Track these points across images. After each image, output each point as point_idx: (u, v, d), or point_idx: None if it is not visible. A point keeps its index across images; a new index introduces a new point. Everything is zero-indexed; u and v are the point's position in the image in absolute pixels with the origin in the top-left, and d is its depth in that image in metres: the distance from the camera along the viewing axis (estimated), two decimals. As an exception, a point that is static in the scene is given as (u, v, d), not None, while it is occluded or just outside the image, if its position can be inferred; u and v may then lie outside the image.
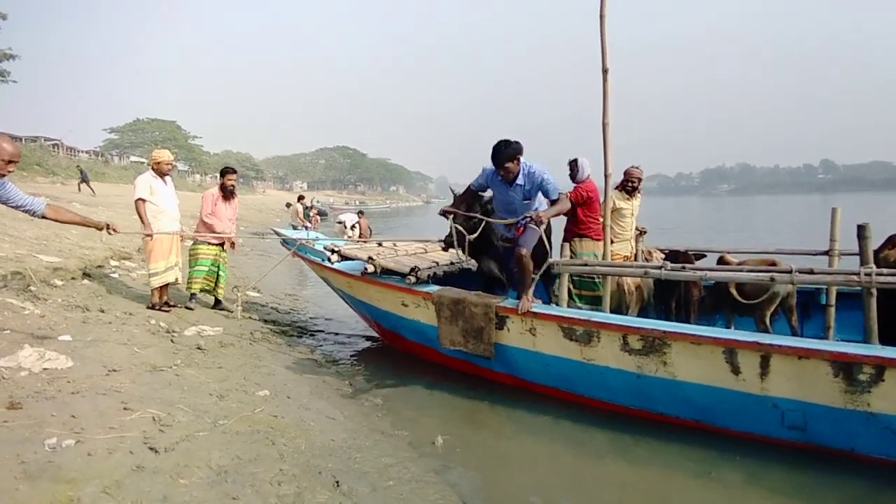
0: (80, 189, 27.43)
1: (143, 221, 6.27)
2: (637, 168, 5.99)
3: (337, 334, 7.27)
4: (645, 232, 6.36)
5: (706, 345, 4.01)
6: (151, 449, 2.92)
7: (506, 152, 4.67)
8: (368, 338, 7.08)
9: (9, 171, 3.59)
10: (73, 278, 6.77)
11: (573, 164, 5.96)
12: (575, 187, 5.94)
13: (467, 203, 5.43)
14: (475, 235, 5.29)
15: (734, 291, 5.01)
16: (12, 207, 3.84)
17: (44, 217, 3.89)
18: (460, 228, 5.32)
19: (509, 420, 4.57)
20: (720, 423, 4.14)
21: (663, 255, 6.06)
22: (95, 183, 30.52)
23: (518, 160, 4.72)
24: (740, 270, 4.27)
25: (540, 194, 4.94)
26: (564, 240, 5.92)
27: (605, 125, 4.62)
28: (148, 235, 6.26)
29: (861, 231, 3.82)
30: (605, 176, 4.73)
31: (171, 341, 5.35)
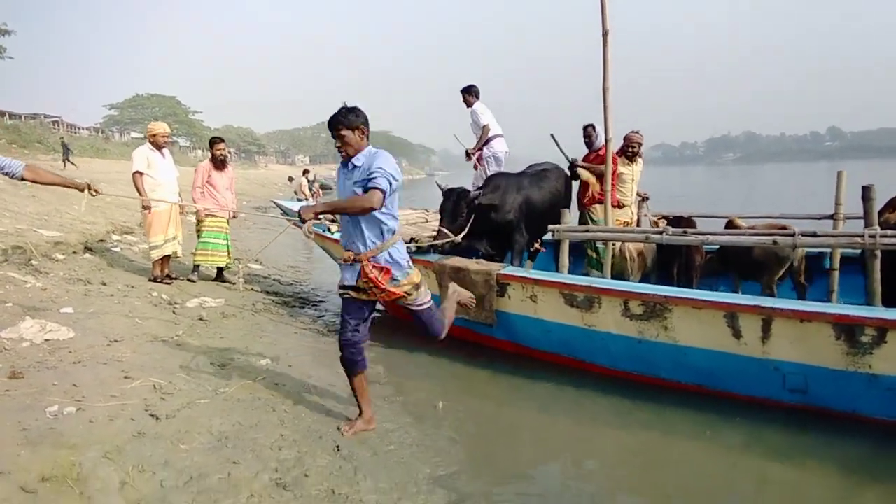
0: (65, 165, 26.80)
1: (140, 194, 6.23)
2: (637, 133, 5.91)
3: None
4: (647, 198, 6.30)
5: (707, 309, 3.99)
6: (152, 416, 2.94)
7: (339, 117, 3.27)
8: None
9: None
10: (74, 252, 6.79)
11: (591, 129, 5.89)
12: (597, 153, 5.88)
13: (453, 204, 5.37)
14: (462, 235, 5.28)
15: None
16: None
17: (23, 179, 3.78)
18: (449, 235, 5.28)
19: (510, 386, 4.58)
20: (721, 387, 4.14)
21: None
22: (97, 160, 30.39)
23: (362, 131, 3.31)
24: (742, 234, 4.22)
25: None
26: (582, 207, 5.90)
27: (605, 90, 4.53)
28: (146, 208, 6.23)
29: (866, 192, 3.76)
30: (606, 141, 4.66)
31: (173, 313, 5.37)
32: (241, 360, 4.28)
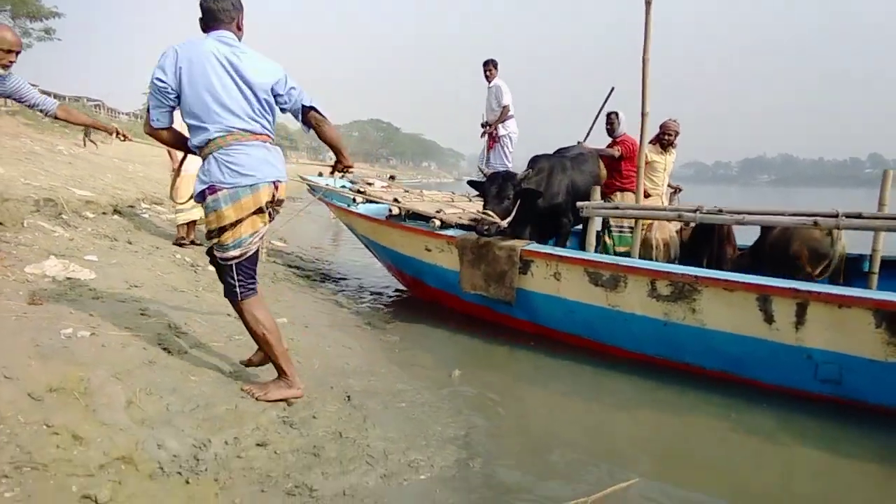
0: (85, 144, 27.00)
1: (171, 157, 6.24)
2: (674, 121, 5.76)
3: (360, 282, 7.25)
4: (680, 190, 6.14)
5: (739, 291, 3.83)
6: (165, 349, 2.91)
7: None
8: (392, 288, 7.03)
9: (10, 62, 3.49)
10: (104, 213, 6.85)
11: (614, 117, 5.81)
12: (621, 139, 5.80)
13: (499, 186, 5.01)
14: (509, 220, 4.90)
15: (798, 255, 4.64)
16: (26, 106, 3.77)
17: (56, 117, 3.79)
18: (495, 219, 4.85)
19: (528, 362, 4.47)
20: (748, 374, 3.96)
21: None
22: (133, 145, 30.93)
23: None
24: (782, 214, 4.05)
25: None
26: (604, 195, 5.79)
27: (644, 61, 4.41)
28: (175, 171, 6.24)
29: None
30: (643, 115, 4.53)
31: (195, 272, 5.38)
32: (259, 315, 4.24)
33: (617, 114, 5.93)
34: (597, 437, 3.34)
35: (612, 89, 6.10)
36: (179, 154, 6.17)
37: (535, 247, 4.81)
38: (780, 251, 4.84)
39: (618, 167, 5.81)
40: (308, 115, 2.89)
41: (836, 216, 3.73)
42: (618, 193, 5.78)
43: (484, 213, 4.90)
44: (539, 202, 5.14)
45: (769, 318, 3.75)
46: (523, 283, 4.84)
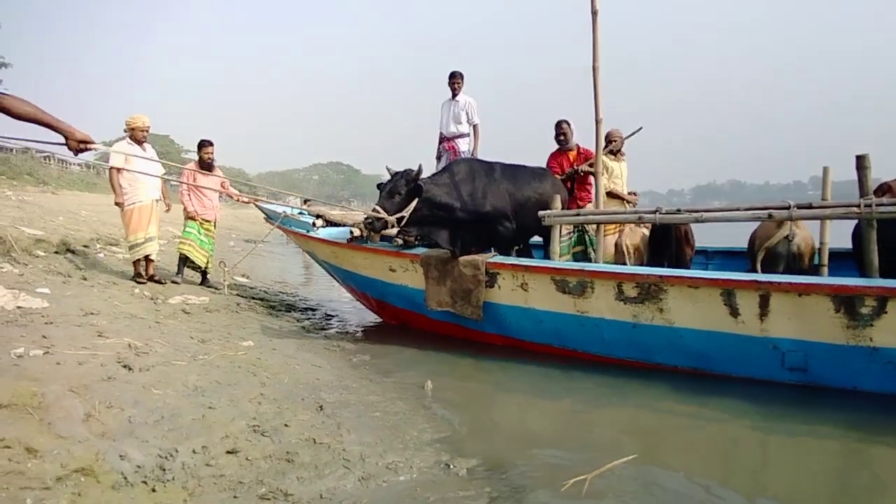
0: None
1: (114, 191, 6.04)
2: (616, 129, 5.82)
3: (326, 310, 7.12)
4: (634, 194, 6.25)
5: (704, 287, 3.90)
6: (125, 367, 2.78)
7: None
8: (359, 314, 6.93)
9: None
10: (56, 252, 6.60)
11: (566, 125, 5.77)
12: (583, 151, 5.78)
13: (392, 182, 4.71)
14: (400, 217, 4.56)
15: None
16: None
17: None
18: (381, 214, 4.55)
19: (499, 370, 4.43)
20: (719, 369, 4.01)
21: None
22: (86, 193, 30.14)
23: None
24: (736, 209, 4.18)
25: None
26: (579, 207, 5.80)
27: (594, 69, 4.55)
28: (118, 205, 6.05)
29: (860, 161, 3.73)
30: (597, 122, 4.65)
31: (154, 303, 5.20)
32: (223, 339, 4.13)
33: (568, 122, 5.84)
34: (572, 430, 3.29)
35: (640, 128, 5.97)
36: (129, 187, 6.03)
37: (500, 258, 4.83)
38: (751, 254, 4.91)
39: (583, 179, 5.82)
40: None
41: (789, 207, 3.87)
42: (589, 206, 5.75)
43: (374, 208, 4.63)
44: (457, 206, 4.80)
45: (734, 312, 3.83)
46: (491, 296, 4.83)
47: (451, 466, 2.58)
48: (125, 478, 1.96)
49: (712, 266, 6.12)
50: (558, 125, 5.78)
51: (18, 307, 3.62)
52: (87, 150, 3.31)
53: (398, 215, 4.56)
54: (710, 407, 3.50)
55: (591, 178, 5.67)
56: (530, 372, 4.30)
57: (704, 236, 5.93)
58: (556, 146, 5.94)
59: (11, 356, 2.52)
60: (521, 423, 3.35)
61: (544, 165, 5.91)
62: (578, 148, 5.84)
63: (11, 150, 42.23)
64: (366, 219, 4.65)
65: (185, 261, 6.82)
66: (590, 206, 5.51)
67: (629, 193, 5.93)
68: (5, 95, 2.56)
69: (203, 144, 6.87)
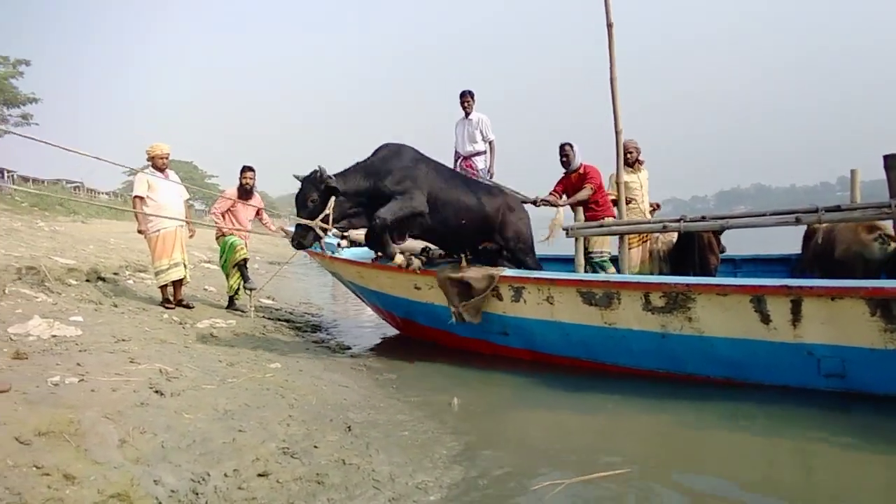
0: None
1: (137, 219, 6.16)
2: (631, 140, 5.74)
3: (352, 330, 7.16)
4: (658, 207, 6.20)
5: (733, 294, 3.84)
6: (157, 392, 2.82)
7: None
8: (384, 332, 6.94)
9: None
10: (87, 280, 6.76)
11: (569, 148, 5.65)
12: (586, 171, 5.72)
13: (301, 191, 4.57)
14: (322, 217, 4.43)
15: None
16: None
17: None
18: (306, 222, 4.45)
19: (526, 386, 4.39)
20: (753, 377, 3.93)
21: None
22: (114, 221, 30.89)
23: None
24: (762, 214, 4.11)
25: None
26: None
27: (612, 80, 4.55)
28: (140, 232, 6.16)
29: (889, 161, 3.66)
30: (616, 133, 4.63)
31: (183, 328, 5.28)
32: (251, 361, 4.16)
33: (571, 145, 5.75)
34: (604, 445, 3.24)
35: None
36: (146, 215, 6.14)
37: (521, 272, 4.81)
38: (826, 258, 4.75)
39: (592, 200, 5.74)
40: None
41: (817, 211, 3.80)
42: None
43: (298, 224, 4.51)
44: (373, 188, 4.64)
45: (766, 319, 3.75)
46: (516, 310, 4.81)
47: (480, 484, 2.56)
48: (160, 502, 1.98)
49: (741, 275, 6.01)
50: (561, 148, 5.73)
51: (53, 336, 3.71)
52: None
53: (321, 217, 4.44)
54: (742, 421, 3.41)
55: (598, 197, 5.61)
56: (558, 386, 4.25)
57: (731, 245, 5.81)
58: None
59: (48, 384, 2.58)
60: (550, 439, 3.30)
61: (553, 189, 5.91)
62: (583, 168, 5.74)
63: (43, 181, 43.65)
64: (293, 236, 4.57)
65: (245, 265, 6.87)
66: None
67: (651, 205, 5.87)
68: None
69: (244, 170, 6.99)
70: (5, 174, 40.70)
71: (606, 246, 5.55)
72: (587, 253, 5.45)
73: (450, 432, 3.21)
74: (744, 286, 3.82)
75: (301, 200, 4.54)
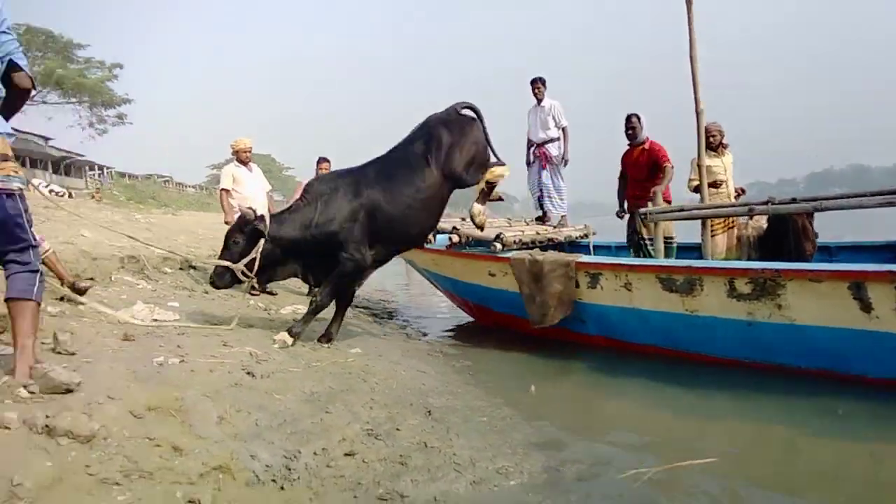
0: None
1: (224, 211, 6.49)
2: (714, 123, 5.48)
3: (427, 316, 7.29)
4: (743, 192, 5.90)
5: (828, 281, 3.62)
6: (248, 373, 2.99)
7: None
8: (459, 319, 7.02)
9: None
10: (180, 269, 7.22)
11: (636, 120, 5.53)
12: (651, 146, 5.55)
13: (226, 237, 4.31)
14: (246, 262, 4.07)
15: None
16: None
17: None
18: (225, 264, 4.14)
19: (604, 373, 4.34)
20: (854, 370, 3.69)
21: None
22: (202, 213, 32.76)
23: None
24: (863, 195, 3.83)
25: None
26: (634, 207, 5.58)
27: (692, 58, 4.35)
28: (227, 223, 6.47)
29: None
30: (697, 113, 4.45)
31: (268, 314, 5.55)
32: (333, 346, 4.31)
33: (638, 116, 5.65)
34: (683, 434, 3.16)
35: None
36: (232, 206, 6.44)
37: (596, 258, 4.73)
38: None
39: (645, 176, 5.60)
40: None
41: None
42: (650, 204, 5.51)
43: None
44: (303, 235, 4.22)
45: (866, 307, 3.51)
46: (593, 297, 4.74)
47: (560, 471, 2.55)
48: (257, 476, 2.11)
49: (837, 263, 5.64)
50: (628, 119, 5.62)
51: (154, 319, 3.99)
52: None
53: (245, 261, 4.09)
54: (850, 413, 3.22)
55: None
56: (637, 374, 4.18)
57: (825, 232, 5.41)
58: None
59: (154, 364, 2.79)
60: (631, 427, 3.25)
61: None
62: (648, 143, 5.59)
63: (137, 176, 46.77)
64: (210, 274, 4.37)
65: None
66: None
67: (736, 190, 5.60)
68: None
69: (320, 161, 7.29)
70: (105, 171, 43.93)
71: (671, 232, 5.37)
72: (647, 240, 5.30)
73: (528, 419, 3.23)
74: (841, 272, 3.59)
75: (225, 244, 4.26)
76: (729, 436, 3.18)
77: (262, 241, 4.13)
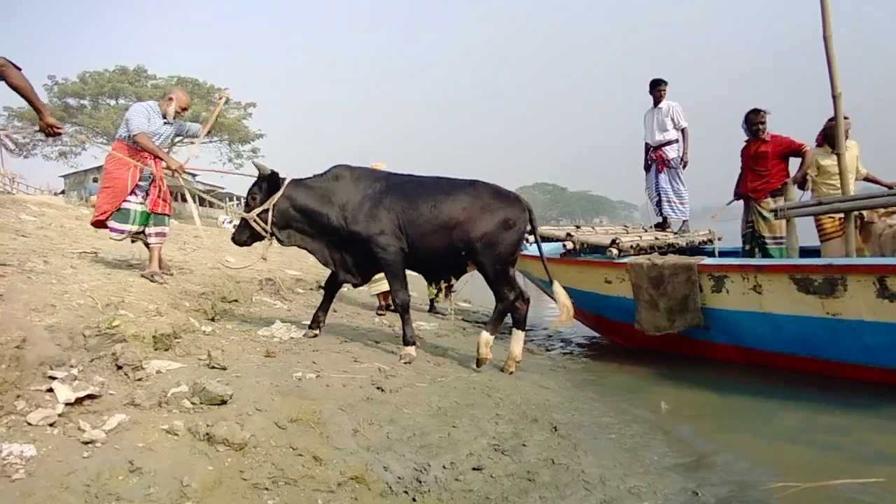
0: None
1: None
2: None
3: (547, 331, 7.20)
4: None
5: None
6: (378, 388, 3.13)
7: None
8: (580, 333, 6.87)
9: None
10: (311, 288, 7.73)
11: (765, 114, 5.21)
12: (775, 138, 5.18)
13: (253, 183, 4.35)
14: (258, 212, 4.17)
15: None
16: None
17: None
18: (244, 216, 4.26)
19: (739, 390, 4.08)
20: None
21: None
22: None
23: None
24: None
25: None
26: (748, 200, 5.21)
27: (826, 38, 3.99)
28: None
29: None
30: (834, 97, 4.08)
31: (394, 332, 5.76)
32: (456, 362, 4.39)
33: (766, 111, 5.29)
34: (832, 456, 2.85)
35: None
36: None
37: (724, 260, 4.43)
38: None
39: (769, 168, 5.19)
40: None
41: None
42: (769, 199, 5.11)
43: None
44: (324, 213, 4.19)
45: None
46: (718, 302, 4.44)
47: (699, 495, 2.41)
48: (390, 487, 2.20)
49: None
50: (757, 114, 5.25)
51: (291, 337, 4.30)
52: (55, 133, 3.68)
53: (258, 210, 4.17)
54: None
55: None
56: (773, 390, 3.87)
57: None
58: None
59: (293, 378, 3.01)
60: (770, 447, 3.01)
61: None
62: (769, 135, 5.21)
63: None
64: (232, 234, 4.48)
65: None
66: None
67: (871, 180, 5.06)
68: (8, 64, 3.12)
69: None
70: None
71: (780, 231, 4.93)
72: (772, 238, 4.92)
73: (660, 438, 3.09)
74: None
75: (249, 194, 4.34)
76: (881, 456, 2.84)
77: (278, 194, 4.17)
